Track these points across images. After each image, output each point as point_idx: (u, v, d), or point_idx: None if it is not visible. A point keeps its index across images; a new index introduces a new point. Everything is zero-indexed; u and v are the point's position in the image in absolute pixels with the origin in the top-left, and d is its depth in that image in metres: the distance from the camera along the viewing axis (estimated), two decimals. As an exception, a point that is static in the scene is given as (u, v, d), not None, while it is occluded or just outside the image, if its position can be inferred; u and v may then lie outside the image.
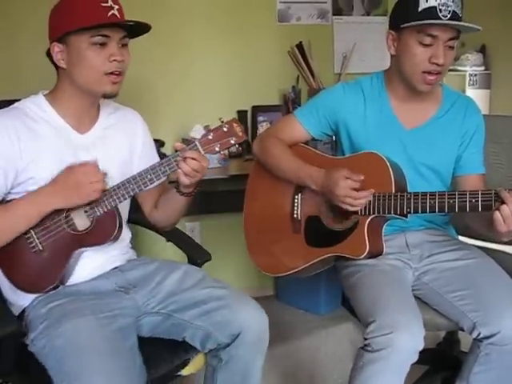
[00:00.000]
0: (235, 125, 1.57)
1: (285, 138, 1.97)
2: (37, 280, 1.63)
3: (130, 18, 1.59)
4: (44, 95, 1.67)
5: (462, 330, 1.73)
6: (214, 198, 2.86)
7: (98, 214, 1.60)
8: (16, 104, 1.67)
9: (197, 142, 1.56)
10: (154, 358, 1.62)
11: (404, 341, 1.55)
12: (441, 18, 1.67)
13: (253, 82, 3.10)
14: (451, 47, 1.74)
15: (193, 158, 1.55)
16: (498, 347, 1.62)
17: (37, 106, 1.65)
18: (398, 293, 1.70)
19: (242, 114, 3.05)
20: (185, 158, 1.55)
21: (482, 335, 1.63)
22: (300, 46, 3.11)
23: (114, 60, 1.57)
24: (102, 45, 1.56)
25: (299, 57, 3.12)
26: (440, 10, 1.67)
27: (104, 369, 1.38)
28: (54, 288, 1.63)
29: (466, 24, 1.69)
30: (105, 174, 1.58)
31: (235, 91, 3.08)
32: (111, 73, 1.58)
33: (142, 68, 2.59)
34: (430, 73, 1.74)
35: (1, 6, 2.60)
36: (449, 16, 1.68)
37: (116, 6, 1.56)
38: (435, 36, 1.70)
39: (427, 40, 1.70)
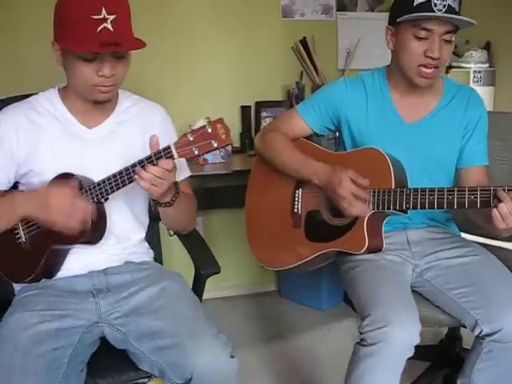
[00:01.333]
0: (219, 126, 1.40)
1: (287, 133, 1.97)
2: (18, 270, 1.65)
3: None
4: (59, 89, 1.68)
5: (464, 326, 1.72)
6: (217, 193, 2.88)
7: None
8: (30, 97, 1.69)
9: (171, 145, 1.44)
10: (109, 366, 1.58)
11: (398, 335, 1.56)
12: (435, 12, 1.67)
13: (256, 77, 3.11)
14: (448, 41, 1.73)
15: (155, 165, 1.45)
16: (500, 344, 1.61)
17: (47, 100, 1.66)
18: (395, 288, 1.70)
19: (245, 110, 3.06)
20: (144, 167, 1.46)
21: (484, 332, 1.63)
22: (304, 42, 3.11)
23: (102, 76, 1.53)
24: (92, 60, 1.50)
25: (303, 52, 3.12)
26: (435, 4, 1.67)
27: (8, 364, 1.39)
28: (36, 280, 1.64)
29: (458, 17, 1.68)
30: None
31: (239, 87, 3.08)
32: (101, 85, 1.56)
33: (147, 63, 2.59)
34: (425, 66, 1.74)
35: (4, 0, 2.60)
36: (444, 10, 1.67)
37: (111, 17, 1.46)
38: (430, 30, 1.70)
39: (422, 34, 1.71)
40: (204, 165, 2.66)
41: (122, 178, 1.51)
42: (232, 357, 1.48)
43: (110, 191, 1.54)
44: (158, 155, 1.46)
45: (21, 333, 1.44)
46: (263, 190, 2.05)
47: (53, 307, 1.53)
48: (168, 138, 1.72)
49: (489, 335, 1.62)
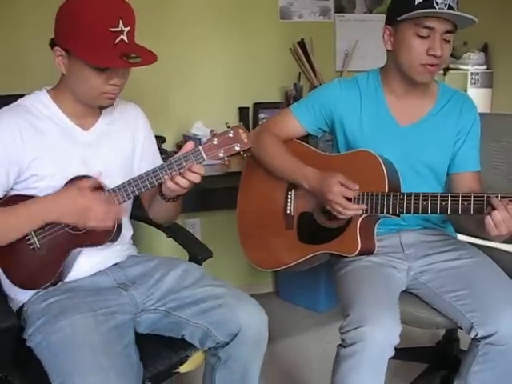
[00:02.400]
0: (241, 131, 1.51)
1: (280, 133, 1.97)
2: (33, 277, 1.63)
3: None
4: (47, 91, 1.66)
5: (461, 328, 1.72)
6: (214, 194, 2.86)
7: None
8: (19, 101, 1.65)
9: (200, 148, 1.51)
10: (152, 354, 1.62)
11: (376, 334, 1.55)
12: (437, 10, 1.68)
13: (254, 78, 3.10)
14: (448, 41, 1.74)
15: (192, 170, 1.52)
16: (496, 347, 1.61)
17: (40, 103, 1.64)
18: (378, 289, 1.70)
19: (243, 111, 3.05)
20: (182, 173, 1.52)
21: (479, 335, 1.63)
22: (302, 44, 3.11)
23: (113, 84, 1.56)
24: (104, 69, 1.52)
25: (301, 54, 3.12)
26: (437, 2, 1.67)
27: (97, 367, 1.38)
28: (52, 285, 1.63)
29: (463, 14, 1.69)
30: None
31: (237, 88, 3.08)
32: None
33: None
34: (427, 65, 1.74)
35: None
36: (445, 9, 1.68)
37: (126, 29, 1.51)
38: (432, 28, 1.70)
39: (424, 32, 1.71)
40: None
41: (150, 180, 1.56)
42: None
43: (137, 192, 1.58)
44: (188, 157, 1.52)
45: (89, 335, 1.45)
46: (255, 190, 2.05)
47: (97, 307, 1.55)
48: (150, 136, 1.84)
49: (484, 338, 1.62)
